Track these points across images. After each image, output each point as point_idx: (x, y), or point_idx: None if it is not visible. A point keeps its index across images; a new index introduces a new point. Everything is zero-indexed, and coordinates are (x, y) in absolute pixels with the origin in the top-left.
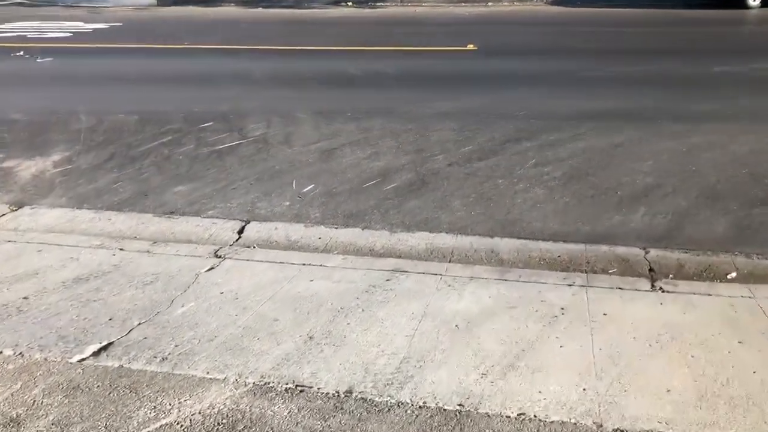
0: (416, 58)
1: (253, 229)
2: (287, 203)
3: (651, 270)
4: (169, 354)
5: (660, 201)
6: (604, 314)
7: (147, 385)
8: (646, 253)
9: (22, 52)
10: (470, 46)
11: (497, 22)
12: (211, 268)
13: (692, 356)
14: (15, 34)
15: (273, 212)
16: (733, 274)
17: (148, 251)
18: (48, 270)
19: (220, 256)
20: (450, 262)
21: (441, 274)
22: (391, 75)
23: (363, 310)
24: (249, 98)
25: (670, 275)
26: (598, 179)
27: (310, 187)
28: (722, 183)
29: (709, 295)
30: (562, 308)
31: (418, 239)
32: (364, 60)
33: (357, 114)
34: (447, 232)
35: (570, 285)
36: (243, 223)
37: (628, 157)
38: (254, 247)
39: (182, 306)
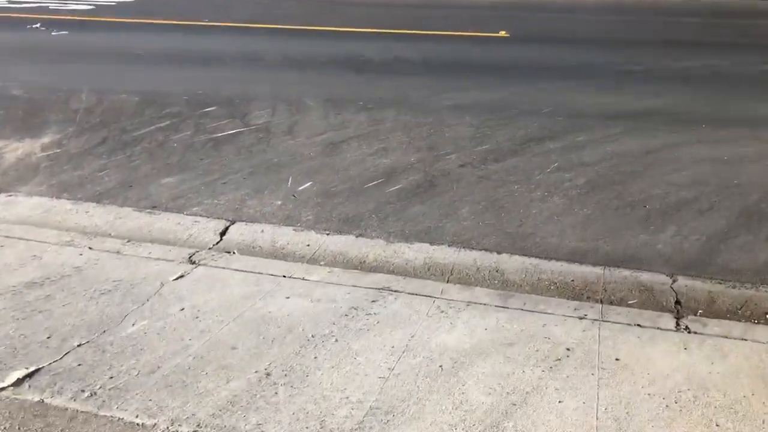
0: (442, 44)
1: (237, 231)
2: (279, 202)
3: (677, 303)
4: (100, 388)
5: (694, 219)
6: (617, 359)
7: (62, 430)
8: (674, 281)
9: (38, 24)
10: (502, 33)
11: (534, 8)
12: (180, 276)
13: (717, 425)
14: (37, 4)
15: (262, 212)
16: None
17: (118, 252)
18: (3, 270)
19: (194, 262)
20: (448, 281)
21: (435, 297)
22: (413, 61)
23: (337, 341)
24: (258, 81)
25: (699, 311)
26: (626, 189)
27: (307, 184)
28: None
29: (744, 339)
30: (568, 349)
31: (416, 252)
32: (386, 44)
33: (370, 103)
34: (449, 245)
35: (581, 318)
36: (227, 224)
37: (663, 165)
38: (234, 252)
39: (133, 324)
